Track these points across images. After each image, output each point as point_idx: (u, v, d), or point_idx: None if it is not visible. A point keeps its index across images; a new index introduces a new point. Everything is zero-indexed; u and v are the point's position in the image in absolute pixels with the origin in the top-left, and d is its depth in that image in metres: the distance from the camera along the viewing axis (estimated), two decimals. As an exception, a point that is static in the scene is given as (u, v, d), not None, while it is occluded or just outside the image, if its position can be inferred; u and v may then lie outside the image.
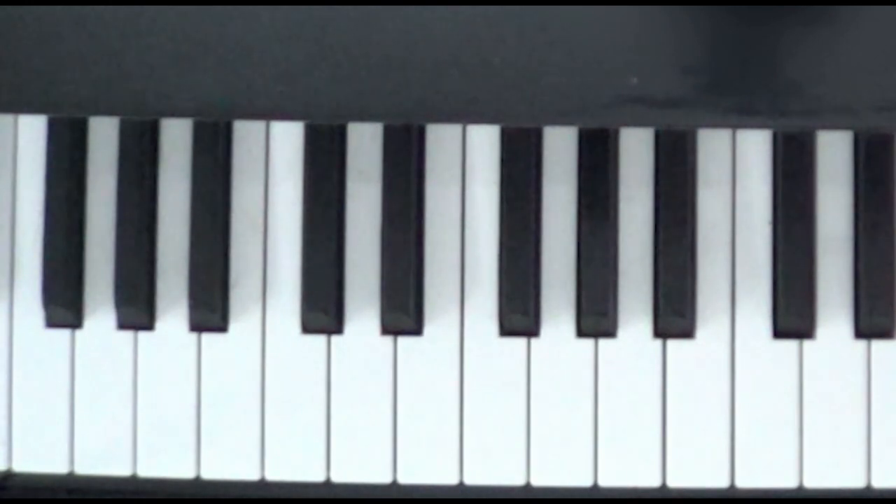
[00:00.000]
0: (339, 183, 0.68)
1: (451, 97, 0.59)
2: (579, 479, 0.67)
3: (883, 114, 0.58)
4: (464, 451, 0.68)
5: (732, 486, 0.67)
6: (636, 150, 0.67)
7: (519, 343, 0.68)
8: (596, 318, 0.67)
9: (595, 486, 0.67)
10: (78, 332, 0.69)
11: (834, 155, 0.67)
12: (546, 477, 0.67)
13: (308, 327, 0.68)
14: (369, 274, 0.68)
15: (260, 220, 0.69)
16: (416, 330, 0.68)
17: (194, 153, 0.68)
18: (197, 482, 0.69)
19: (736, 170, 0.67)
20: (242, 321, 0.69)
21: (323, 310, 0.67)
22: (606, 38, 0.58)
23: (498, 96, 0.59)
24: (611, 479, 0.67)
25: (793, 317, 0.67)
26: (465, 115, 0.62)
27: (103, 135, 0.69)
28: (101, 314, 0.69)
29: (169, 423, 0.68)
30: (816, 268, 0.67)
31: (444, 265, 0.68)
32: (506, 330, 0.68)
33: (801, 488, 0.67)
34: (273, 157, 0.69)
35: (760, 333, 0.67)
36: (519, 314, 0.66)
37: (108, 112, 0.65)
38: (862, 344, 0.67)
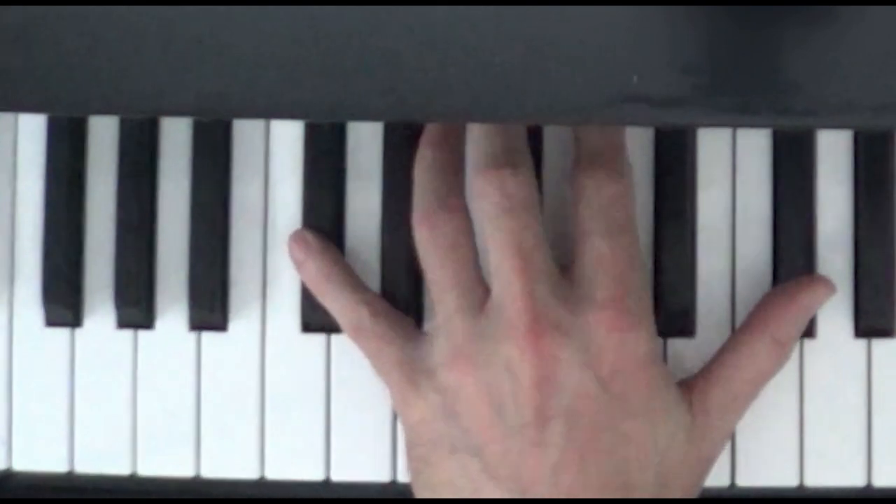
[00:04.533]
0: (339, 183, 0.68)
1: (451, 97, 0.59)
2: (579, 478, 0.67)
3: (883, 114, 0.58)
4: (464, 450, 0.68)
5: (733, 485, 0.67)
6: (636, 150, 0.67)
7: (519, 342, 0.68)
8: (596, 318, 0.67)
9: (595, 486, 0.67)
10: (78, 332, 0.69)
11: (834, 155, 0.67)
12: (546, 476, 0.67)
13: (308, 327, 0.68)
14: (369, 273, 0.68)
15: (260, 220, 0.69)
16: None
17: (194, 153, 0.68)
18: (197, 481, 0.69)
19: (736, 170, 0.67)
20: (242, 321, 0.69)
21: (322, 309, 0.67)
22: (606, 38, 0.58)
23: (498, 96, 0.59)
24: (611, 478, 0.67)
25: (793, 316, 0.67)
26: (465, 115, 0.61)
27: (103, 135, 0.69)
28: (100, 313, 0.69)
29: (169, 423, 0.68)
30: (816, 268, 0.67)
31: (444, 265, 0.68)
32: (506, 329, 0.68)
33: (801, 487, 0.67)
34: (273, 157, 0.69)
35: (760, 333, 0.67)
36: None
37: (108, 112, 0.65)
38: (862, 344, 0.67)
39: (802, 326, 0.66)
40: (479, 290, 0.64)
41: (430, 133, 0.66)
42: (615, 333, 0.62)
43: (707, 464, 0.64)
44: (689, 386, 0.65)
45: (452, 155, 0.66)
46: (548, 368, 0.61)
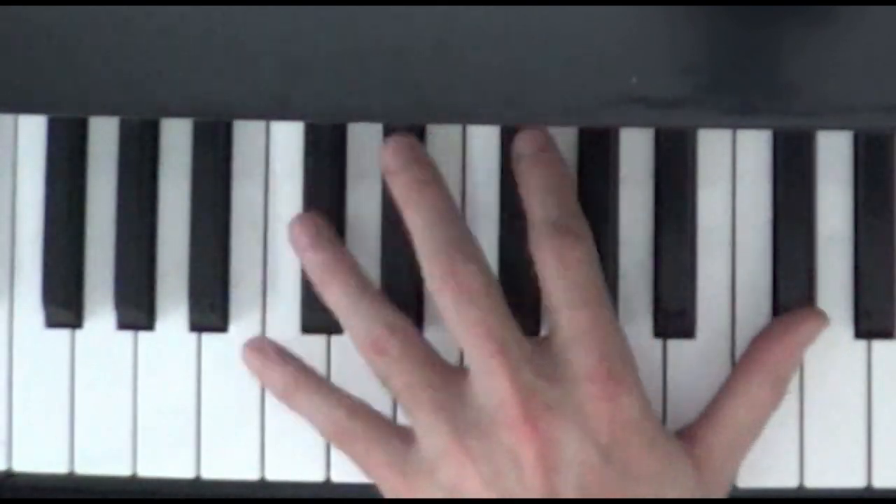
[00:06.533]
0: (339, 183, 0.68)
1: (451, 97, 0.59)
2: (579, 479, 0.67)
3: (883, 114, 0.58)
4: (464, 451, 0.67)
5: (733, 486, 0.67)
6: (636, 150, 0.68)
7: (519, 343, 0.67)
8: (596, 318, 0.67)
9: (595, 487, 0.67)
10: (78, 332, 0.69)
11: (834, 155, 0.67)
12: (546, 477, 0.67)
13: (308, 327, 0.68)
14: (370, 274, 0.68)
15: (260, 220, 0.69)
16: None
17: (194, 153, 0.68)
18: (197, 482, 0.69)
19: (736, 170, 0.67)
20: (242, 321, 0.69)
21: (322, 309, 0.67)
22: (606, 38, 0.58)
23: (498, 96, 0.59)
24: (611, 479, 0.67)
25: (793, 317, 0.67)
26: (465, 115, 0.61)
27: (103, 135, 0.69)
28: (101, 314, 0.69)
29: (169, 423, 0.68)
30: (816, 268, 0.67)
31: (444, 265, 0.68)
32: (506, 330, 0.68)
33: (801, 488, 0.67)
34: (273, 157, 0.69)
35: (760, 333, 0.67)
36: (518, 314, 0.66)
37: (108, 112, 0.65)
38: (862, 345, 0.67)
39: (798, 362, 0.66)
40: (451, 380, 0.64)
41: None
42: (607, 402, 0.62)
43: None
44: (690, 434, 0.65)
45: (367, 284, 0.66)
46: (549, 449, 0.61)
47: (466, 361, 0.64)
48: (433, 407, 0.63)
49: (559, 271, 0.64)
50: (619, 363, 0.63)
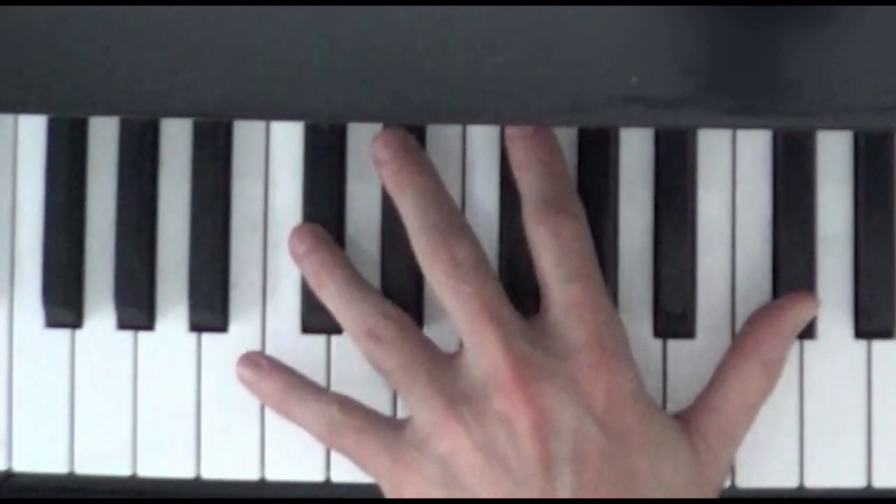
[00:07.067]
0: (339, 183, 0.68)
1: (451, 97, 0.59)
2: (579, 479, 0.67)
3: (883, 114, 0.58)
4: (464, 451, 0.67)
5: (733, 486, 0.67)
6: (636, 150, 0.68)
7: (519, 343, 0.67)
8: (596, 318, 0.67)
9: (595, 487, 0.67)
10: (78, 332, 0.69)
11: (834, 155, 0.67)
12: (546, 477, 0.67)
13: (308, 327, 0.68)
14: (369, 273, 0.68)
15: (260, 220, 0.69)
16: (417, 329, 0.68)
17: (194, 153, 0.69)
18: (197, 482, 0.69)
19: (736, 170, 0.67)
20: (242, 321, 0.69)
21: (323, 309, 0.67)
22: (606, 38, 0.58)
23: (498, 96, 0.59)
24: (611, 479, 0.67)
25: (793, 317, 0.67)
26: (465, 115, 0.61)
27: (103, 135, 0.69)
28: (101, 314, 0.69)
29: (169, 423, 0.68)
30: (816, 268, 0.67)
31: (444, 265, 0.68)
32: (506, 330, 0.68)
33: (801, 488, 0.67)
34: (273, 157, 0.69)
35: (760, 333, 0.67)
36: (517, 311, 0.66)
37: (108, 112, 0.65)
38: (862, 344, 0.67)
39: (790, 345, 0.66)
40: (445, 360, 0.64)
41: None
42: (602, 373, 0.62)
43: (714, 491, 0.64)
44: (686, 418, 0.65)
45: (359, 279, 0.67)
46: (541, 415, 0.61)
47: (460, 336, 0.64)
48: (427, 381, 0.63)
49: (552, 246, 0.64)
50: (611, 336, 0.63)
